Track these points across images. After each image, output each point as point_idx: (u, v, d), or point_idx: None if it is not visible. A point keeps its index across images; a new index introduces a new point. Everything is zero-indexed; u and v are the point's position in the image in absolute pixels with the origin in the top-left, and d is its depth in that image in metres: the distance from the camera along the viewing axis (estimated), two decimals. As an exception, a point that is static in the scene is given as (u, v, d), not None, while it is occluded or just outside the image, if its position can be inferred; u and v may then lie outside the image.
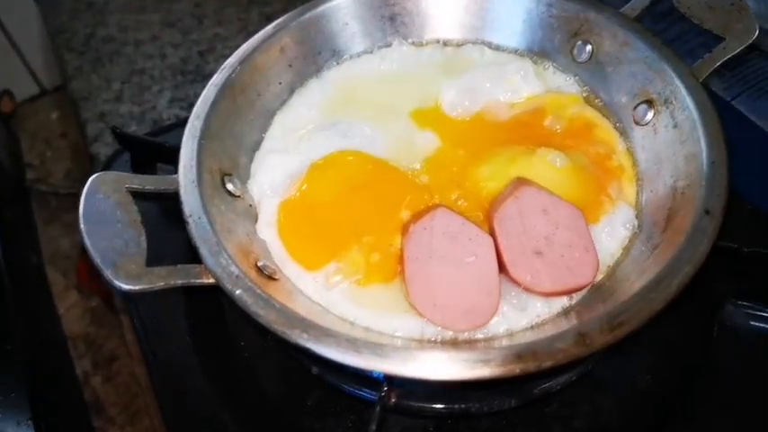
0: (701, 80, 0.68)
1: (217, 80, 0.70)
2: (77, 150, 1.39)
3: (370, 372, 0.51)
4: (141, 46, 1.22)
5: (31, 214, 1.32)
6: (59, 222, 1.32)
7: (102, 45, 1.23)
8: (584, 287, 0.61)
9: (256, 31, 0.77)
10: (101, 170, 0.78)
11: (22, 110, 1.47)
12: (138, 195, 0.61)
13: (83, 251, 1.23)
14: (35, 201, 1.35)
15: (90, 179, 0.57)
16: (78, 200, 0.56)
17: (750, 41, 0.69)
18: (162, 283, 0.53)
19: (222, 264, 0.55)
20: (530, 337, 0.57)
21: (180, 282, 0.54)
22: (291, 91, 0.78)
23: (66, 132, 1.43)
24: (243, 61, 0.71)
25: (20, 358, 0.83)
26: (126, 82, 1.15)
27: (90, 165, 1.03)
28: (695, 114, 0.65)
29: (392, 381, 0.59)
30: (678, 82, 0.68)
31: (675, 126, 0.68)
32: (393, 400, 0.61)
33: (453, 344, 0.58)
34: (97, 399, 1.11)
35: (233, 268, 0.55)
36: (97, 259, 0.52)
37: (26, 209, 1.32)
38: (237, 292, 0.53)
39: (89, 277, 1.17)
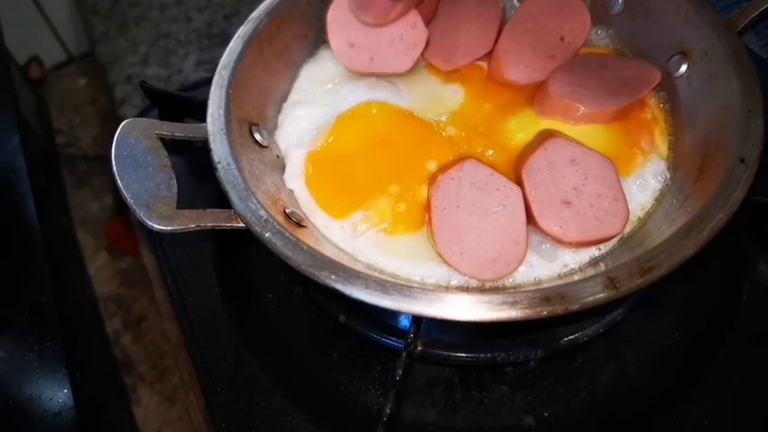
0: (738, 30, 0.66)
1: (243, 32, 0.69)
2: (105, 116, 1.40)
3: (399, 313, 0.51)
4: (167, 10, 1.22)
5: (62, 179, 1.34)
6: (89, 187, 1.34)
7: (128, 9, 1.23)
8: (614, 237, 0.60)
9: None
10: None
11: (51, 77, 1.49)
12: (166, 147, 0.62)
13: (115, 211, 1.26)
14: (65, 166, 1.37)
15: (122, 124, 0.58)
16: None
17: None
18: (193, 225, 0.53)
19: (251, 208, 0.55)
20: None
21: (210, 224, 0.54)
22: (318, 44, 0.77)
23: (94, 99, 1.45)
24: (269, 13, 0.71)
25: (54, 311, 0.85)
26: (152, 45, 1.16)
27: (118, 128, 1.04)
28: (731, 66, 0.63)
29: (419, 327, 0.59)
30: (714, 33, 0.66)
31: (710, 78, 0.66)
32: (419, 348, 0.61)
33: (480, 290, 0.59)
34: (127, 357, 1.14)
35: (262, 212, 0.55)
36: (130, 200, 0.52)
37: (56, 173, 1.35)
38: (267, 234, 0.53)
39: (120, 235, 1.19)
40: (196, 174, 0.79)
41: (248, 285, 0.76)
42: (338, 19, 0.71)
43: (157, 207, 0.53)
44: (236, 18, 1.18)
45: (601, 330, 0.65)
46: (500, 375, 0.67)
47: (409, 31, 0.70)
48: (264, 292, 0.75)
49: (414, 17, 0.70)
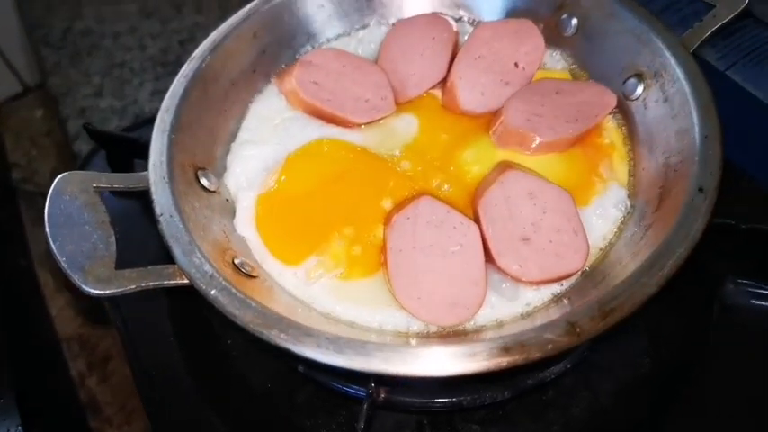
0: (691, 50, 0.65)
1: (186, 71, 0.67)
2: (63, 149, 1.36)
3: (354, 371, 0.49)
4: (120, 38, 1.19)
5: (19, 215, 1.29)
6: (48, 222, 1.30)
7: (80, 39, 1.20)
8: (575, 273, 0.58)
9: (238, 18, 0.74)
10: (78, 169, 0.75)
11: (5, 108, 1.44)
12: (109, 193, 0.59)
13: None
14: (22, 201, 1.33)
15: (55, 180, 0.55)
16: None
17: (741, 8, 0.66)
18: (133, 286, 0.51)
19: (195, 263, 0.53)
20: (520, 326, 0.55)
21: (152, 284, 0.52)
22: (267, 78, 0.75)
23: (50, 130, 1.40)
24: (213, 49, 0.68)
25: (7, 363, 0.82)
26: (106, 76, 1.12)
27: (74, 163, 1.01)
28: (686, 87, 0.62)
29: (380, 377, 0.57)
30: (667, 53, 0.65)
31: (666, 100, 0.65)
32: (382, 396, 0.59)
33: (440, 336, 0.56)
34: (93, 399, 1.10)
35: (207, 267, 0.52)
36: (64, 264, 0.50)
37: (13, 209, 1.30)
38: (212, 292, 0.51)
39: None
40: (144, 215, 0.76)
41: (206, 332, 0.73)
42: (314, 62, 0.71)
43: (94, 269, 0.50)
44: (192, 44, 1.15)
45: (569, 366, 0.63)
46: (470, 414, 0.65)
47: (378, 100, 0.70)
48: (223, 339, 0.72)
49: (386, 91, 0.71)
